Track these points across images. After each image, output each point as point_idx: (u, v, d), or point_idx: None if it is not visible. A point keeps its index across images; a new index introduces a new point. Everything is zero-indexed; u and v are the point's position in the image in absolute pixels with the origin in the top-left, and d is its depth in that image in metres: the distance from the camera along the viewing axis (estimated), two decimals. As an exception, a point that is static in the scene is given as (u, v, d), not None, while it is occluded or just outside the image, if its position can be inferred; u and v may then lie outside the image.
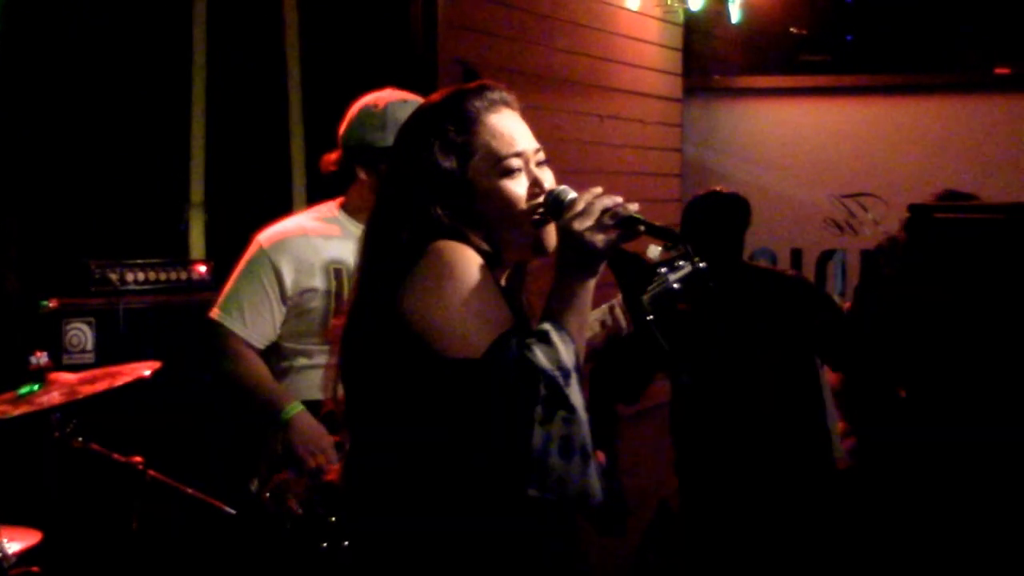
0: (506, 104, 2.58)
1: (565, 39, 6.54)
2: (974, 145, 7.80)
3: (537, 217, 2.51)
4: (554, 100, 6.36)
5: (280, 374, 4.00)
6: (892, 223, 6.40)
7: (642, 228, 2.41)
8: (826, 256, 8.16)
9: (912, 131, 7.95)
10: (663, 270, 4.47)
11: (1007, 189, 7.26)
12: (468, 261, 2.40)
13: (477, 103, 2.54)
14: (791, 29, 8.74)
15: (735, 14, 7.74)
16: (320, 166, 4.09)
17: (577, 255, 2.41)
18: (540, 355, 2.30)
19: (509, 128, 2.54)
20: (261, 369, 3.97)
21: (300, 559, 3.61)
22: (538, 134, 2.61)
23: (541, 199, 2.51)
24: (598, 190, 2.44)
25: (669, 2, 7.49)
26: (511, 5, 6.03)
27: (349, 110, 4.00)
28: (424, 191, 2.49)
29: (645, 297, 3.59)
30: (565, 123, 6.41)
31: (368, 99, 3.98)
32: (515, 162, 2.50)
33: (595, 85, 6.86)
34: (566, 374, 2.31)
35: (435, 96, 2.63)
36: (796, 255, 8.11)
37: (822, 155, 7.74)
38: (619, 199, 2.42)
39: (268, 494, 3.78)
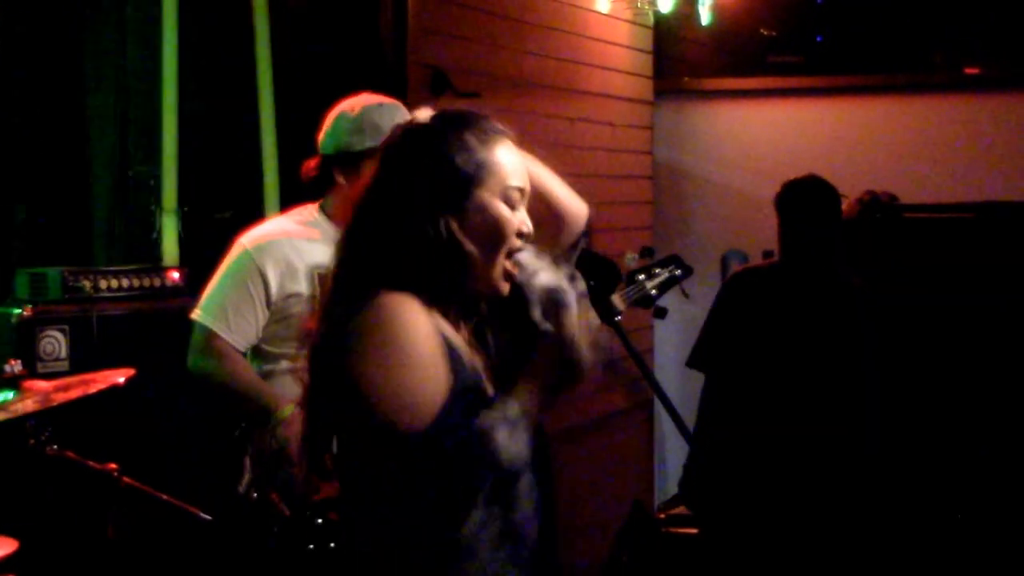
0: (510, 140, 2.65)
1: (534, 42, 6.55)
2: (945, 145, 7.84)
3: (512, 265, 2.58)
4: (524, 103, 6.36)
5: (262, 377, 3.99)
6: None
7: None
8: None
9: (883, 131, 7.98)
10: (641, 276, 4.50)
11: (977, 188, 7.30)
12: (409, 320, 2.45)
13: (497, 127, 2.62)
14: (761, 30, 8.77)
15: (705, 16, 7.75)
16: (300, 173, 4.10)
17: (562, 364, 2.49)
18: (501, 440, 2.38)
19: (517, 162, 2.62)
20: (248, 370, 3.98)
21: (286, 561, 3.61)
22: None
23: (520, 244, 2.57)
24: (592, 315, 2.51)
25: (639, 4, 7.50)
26: (480, 9, 6.04)
27: (326, 117, 4.02)
28: (432, 189, 2.54)
29: (617, 297, 3.62)
30: (535, 126, 6.42)
31: (344, 104, 4.01)
32: (517, 194, 2.59)
33: (565, 88, 6.87)
34: (517, 469, 2.43)
35: (450, 110, 2.68)
36: (768, 257, 8.12)
37: (793, 156, 7.75)
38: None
39: (256, 495, 3.78)
